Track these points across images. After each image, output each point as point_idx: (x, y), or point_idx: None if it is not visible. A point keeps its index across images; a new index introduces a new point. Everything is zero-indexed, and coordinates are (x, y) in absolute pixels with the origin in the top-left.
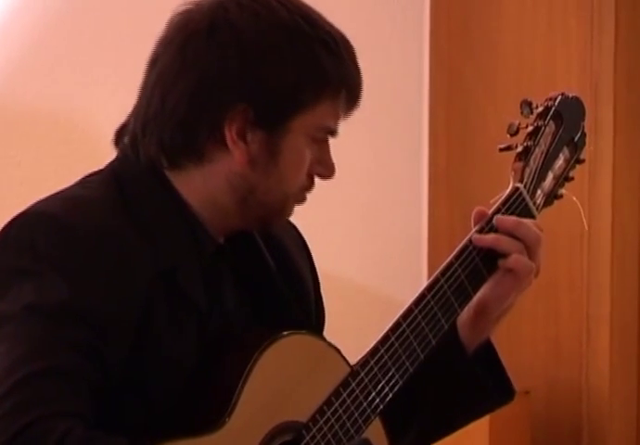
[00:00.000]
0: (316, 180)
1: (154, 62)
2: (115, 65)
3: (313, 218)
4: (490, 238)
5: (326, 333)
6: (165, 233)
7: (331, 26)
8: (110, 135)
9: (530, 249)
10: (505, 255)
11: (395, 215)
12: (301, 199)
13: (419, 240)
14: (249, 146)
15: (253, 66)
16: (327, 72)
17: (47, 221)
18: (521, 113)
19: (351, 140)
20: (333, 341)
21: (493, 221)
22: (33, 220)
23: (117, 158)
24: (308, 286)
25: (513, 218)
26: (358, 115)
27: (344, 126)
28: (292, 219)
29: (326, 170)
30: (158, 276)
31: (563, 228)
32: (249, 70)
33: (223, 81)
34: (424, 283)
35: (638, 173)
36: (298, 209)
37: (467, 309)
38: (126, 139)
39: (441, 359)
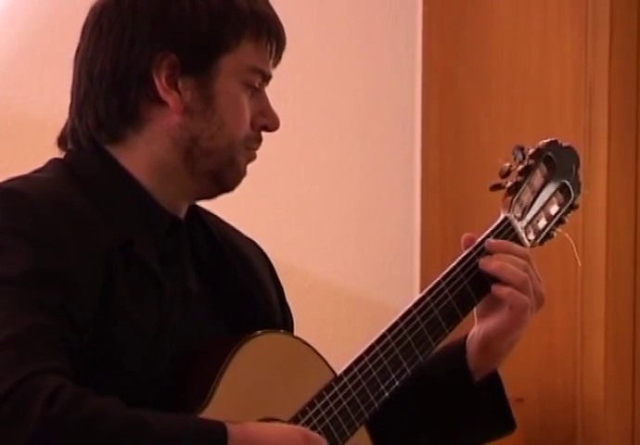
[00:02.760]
0: (304, 180)
1: (76, 53)
2: None
3: (306, 223)
4: (495, 265)
5: (317, 339)
6: (117, 208)
7: None
8: None
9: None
10: (500, 281)
11: (388, 221)
12: (252, 156)
13: (412, 246)
14: (182, 94)
15: (163, 12)
16: (242, 12)
17: (6, 194)
18: (514, 159)
19: (342, 146)
20: (325, 347)
21: (485, 244)
22: None
23: (65, 154)
24: (268, 288)
25: (506, 242)
26: (350, 120)
27: (337, 131)
28: (287, 223)
29: (270, 121)
30: (115, 248)
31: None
32: (161, 17)
33: (139, 34)
34: (416, 289)
35: (633, 178)
36: (291, 214)
37: (474, 340)
38: (67, 136)
39: (449, 385)
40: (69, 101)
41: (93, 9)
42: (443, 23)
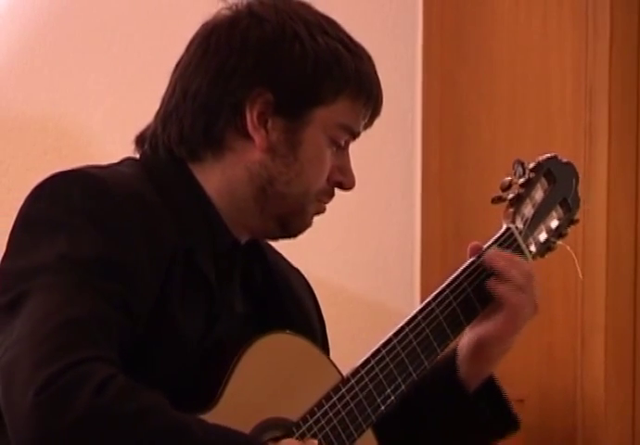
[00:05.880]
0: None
1: (177, 64)
2: (104, 70)
3: None
4: (502, 264)
5: None
6: (186, 215)
7: (351, 36)
8: (99, 141)
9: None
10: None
11: (388, 222)
12: (321, 208)
13: (412, 247)
14: (270, 134)
15: (272, 49)
16: (347, 70)
17: (85, 177)
18: (514, 173)
19: None
20: None
21: (484, 256)
22: (71, 175)
23: (140, 155)
24: (312, 322)
25: (505, 254)
26: None
27: None
28: None
29: (347, 180)
30: (180, 252)
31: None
32: (269, 54)
33: (242, 65)
34: (416, 290)
35: (633, 180)
36: None
37: (466, 346)
38: (147, 138)
39: (442, 397)
40: (69, 102)
41: (205, 25)
42: (444, 24)
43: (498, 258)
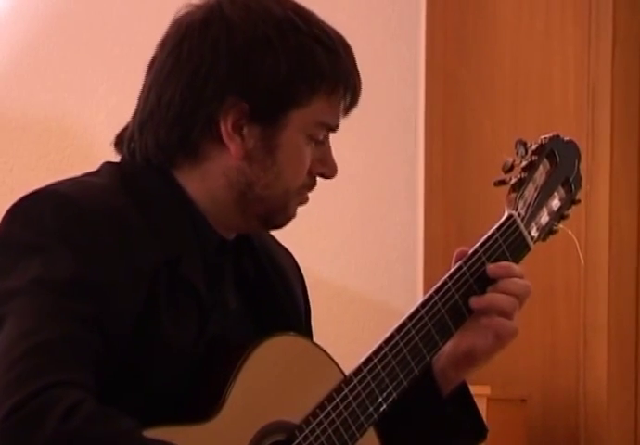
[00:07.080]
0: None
1: (152, 63)
2: (107, 70)
3: (309, 224)
4: (487, 299)
5: (320, 339)
6: (168, 223)
7: (325, 24)
8: (102, 141)
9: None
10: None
11: (391, 222)
12: (303, 199)
13: (415, 247)
14: (246, 141)
15: (244, 58)
16: (321, 67)
17: (57, 197)
18: (516, 153)
19: (346, 147)
20: (328, 347)
21: (487, 270)
22: (43, 196)
23: (120, 159)
24: (300, 306)
25: (505, 263)
26: (353, 121)
27: (339, 132)
28: (290, 224)
29: (329, 169)
30: (162, 263)
31: (559, 235)
32: (240, 63)
33: (215, 74)
34: (419, 290)
35: (636, 180)
36: None
37: (451, 353)
38: (125, 141)
39: (416, 401)
40: (72, 102)
41: (178, 26)
42: (446, 24)
43: (480, 299)
